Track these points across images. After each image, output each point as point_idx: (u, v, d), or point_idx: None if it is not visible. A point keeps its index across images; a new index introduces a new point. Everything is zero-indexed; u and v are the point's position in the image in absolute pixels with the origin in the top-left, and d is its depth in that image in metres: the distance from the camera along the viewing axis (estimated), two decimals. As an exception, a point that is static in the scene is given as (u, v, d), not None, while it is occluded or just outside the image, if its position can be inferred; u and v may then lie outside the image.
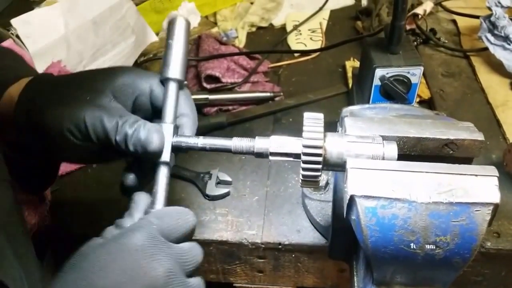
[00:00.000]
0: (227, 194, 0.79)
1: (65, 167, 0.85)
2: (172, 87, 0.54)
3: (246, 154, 0.52)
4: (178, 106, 0.55)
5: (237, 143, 0.52)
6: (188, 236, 0.48)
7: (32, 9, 1.14)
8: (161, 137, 0.51)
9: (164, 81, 0.55)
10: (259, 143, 0.51)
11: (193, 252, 0.48)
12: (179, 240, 0.47)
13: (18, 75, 0.58)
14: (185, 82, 0.57)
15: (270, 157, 0.51)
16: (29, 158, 0.59)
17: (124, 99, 0.54)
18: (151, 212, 0.49)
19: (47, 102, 0.53)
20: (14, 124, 0.54)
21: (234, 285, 0.81)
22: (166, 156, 0.52)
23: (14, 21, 0.97)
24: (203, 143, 0.53)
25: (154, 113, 0.56)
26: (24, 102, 0.54)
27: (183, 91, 0.56)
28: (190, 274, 0.47)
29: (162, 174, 0.52)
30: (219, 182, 0.81)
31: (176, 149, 0.53)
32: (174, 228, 0.47)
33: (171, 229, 0.47)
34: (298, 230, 0.73)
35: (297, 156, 0.50)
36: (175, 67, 0.55)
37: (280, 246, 0.72)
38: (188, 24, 0.58)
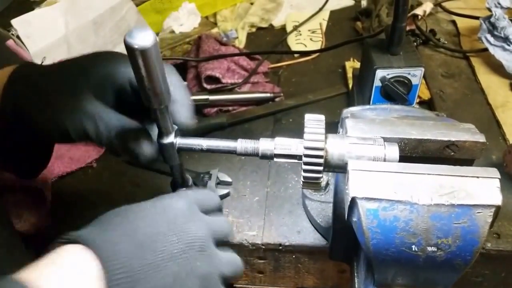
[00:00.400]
0: (227, 194, 0.79)
1: (65, 168, 0.85)
2: (162, 111, 0.50)
3: (250, 156, 0.52)
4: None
5: (241, 145, 0.52)
6: (215, 211, 0.55)
7: (32, 9, 1.14)
8: (150, 145, 0.52)
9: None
10: (264, 145, 0.51)
11: (220, 222, 0.53)
12: (208, 212, 0.53)
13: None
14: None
15: (275, 159, 0.51)
16: (18, 143, 0.59)
17: (105, 94, 0.54)
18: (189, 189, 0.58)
19: (32, 108, 0.53)
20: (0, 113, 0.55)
21: (234, 285, 0.81)
22: (175, 160, 0.55)
23: (14, 22, 0.97)
24: (207, 145, 0.53)
25: (137, 97, 0.51)
26: (9, 101, 0.54)
27: (169, 71, 0.51)
28: (221, 246, 0.51)
29: (176, 172, 0.59)
30: (219, 183, 0.80)
31: (180, 150, 0.54)
32: (206, 200, 0.53)
33: (203, 201, 0.53)
34: (299, 231, 0.73)
35: (301, 158, 0.50)
36: (156, 97, 0.47)
37: (280, 247, 0.72)
38: (154, 46, 0.43)
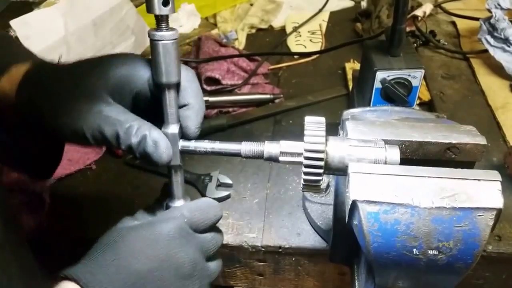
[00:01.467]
0: (228, 196, 0.79)
1: (64, 170, 0.85)
2: (170, 91, 0.51)
3: (255, 159, 0.52)
4: (182, 94, 0.53)
5: (246, 147, 0.51)
6: (213, 226, 0.54)
7: (31, 10, 1.13)
8: (169, 150, 0.50)
9: (159, 85, 0.51)
10: (269, 148, 0.51)
11: (215, 239, 0.54)
12: (205, 231, 0.53)
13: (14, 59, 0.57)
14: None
15: (280, 162, 0.51)
16: (31, 142, 0.58)
17: (122, 96, 0.52)
18: (184, 204, 0.55)
19: (45, 111, 0.52)
20: (14, 112, 0.54)
21: (234, 288, 0.81)
22: (176, 160, 0.53)
23: (13, 22, 0.96)
24: (211, 147, 0.52)
25: (155, 101, 0.52)
26: (23, 101, 0.53)
27: (187, 73, 0.53)
28: (210, 258, 0.54)
29: (176, 175, 0.54)
30: (220, 185, 0.80)
31: (183, 153, 0.53)
32: (202, 221, 0.53)
33: (199, 222, 0.52)
34: (299, 233, 0.73)
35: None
36: (168, 71, 0.50)
37: (280, 250, 0.72)
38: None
